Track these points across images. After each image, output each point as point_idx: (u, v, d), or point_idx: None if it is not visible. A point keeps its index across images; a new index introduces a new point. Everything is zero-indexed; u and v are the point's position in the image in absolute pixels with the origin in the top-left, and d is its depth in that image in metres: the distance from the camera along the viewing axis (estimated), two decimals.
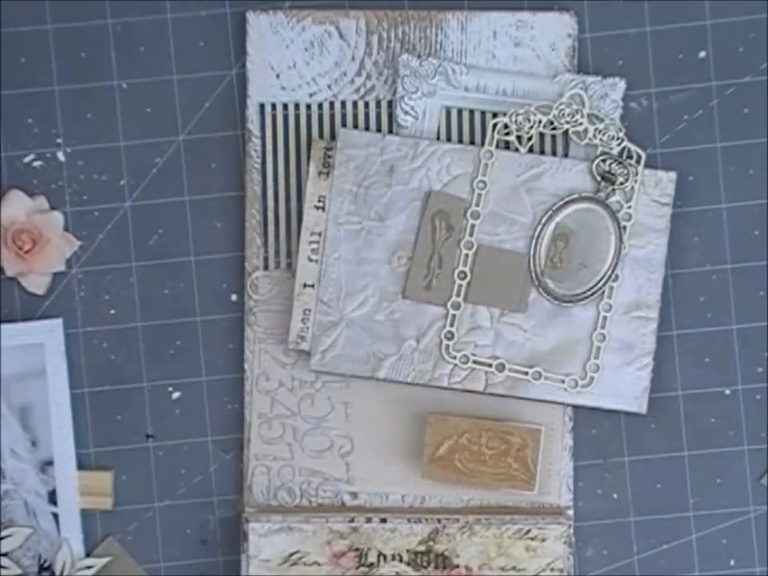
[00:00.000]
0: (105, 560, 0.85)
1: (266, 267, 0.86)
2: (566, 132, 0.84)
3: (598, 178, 0.83)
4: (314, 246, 0.84)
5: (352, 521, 0.84)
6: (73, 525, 0.85)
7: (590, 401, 0.84)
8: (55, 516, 0.85)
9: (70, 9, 0.86)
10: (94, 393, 0.86)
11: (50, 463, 0.85)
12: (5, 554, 0.84)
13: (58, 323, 0.85)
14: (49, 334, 0.85)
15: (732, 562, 0.86)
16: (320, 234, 0.84)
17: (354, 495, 0.85)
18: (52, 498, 0.85)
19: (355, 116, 0.85)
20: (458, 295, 0.84)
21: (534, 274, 0.83)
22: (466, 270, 0.84)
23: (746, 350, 0.85)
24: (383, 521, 0.84)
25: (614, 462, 0.86)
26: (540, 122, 0.83)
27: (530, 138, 0.84)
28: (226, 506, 0.86)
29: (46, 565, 0.85)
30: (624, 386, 0.83)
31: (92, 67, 0.86)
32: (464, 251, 0.83)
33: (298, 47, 0.85)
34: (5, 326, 0.85)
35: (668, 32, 0.85)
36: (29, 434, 0.85)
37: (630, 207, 0.83)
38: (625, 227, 0.83)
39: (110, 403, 0.86)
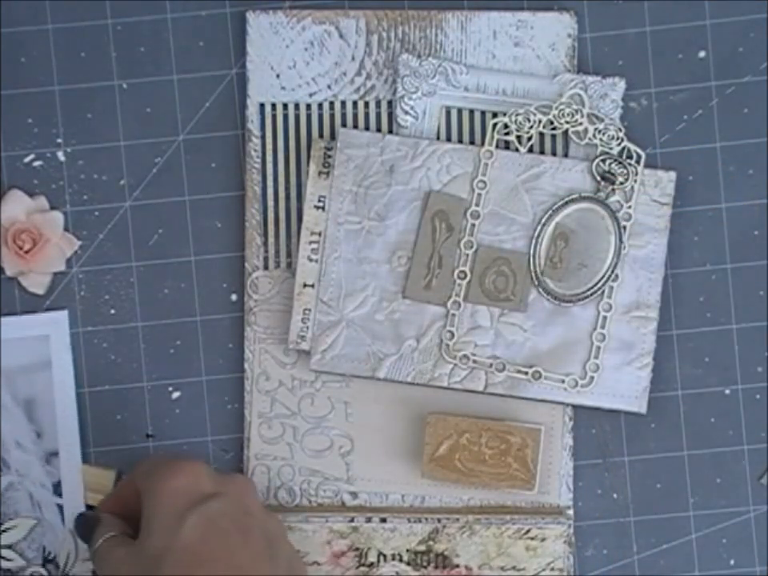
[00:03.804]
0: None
1: (266, 267, 0.86)
2: (565, 132, 0.84)
3: (598, 178, 0.83)
4: (314, 245, 0.84)
5: (352, 520, 0.84)
6: None
7: (589, 400, 0.84)
8: (60, 508, 0.85)
9: (70, 9, 0.86)
10: (94, 393, 0.86)
11: (55, 454, 0.84)
12: (8, 546, 0.85)
13: (63, 315, 0.85)
14: (54, 326, 0.85)
15: (732, 562, 0.86)
16: (320, 234, 0.84)
17: (354, 495, 0.85)
18: (57, 489, 0.84)
19: (355, 116, 0.85)
20: (457, 295, 0.84)
21: (533, 274, 0.83)
22: (466, 269, 0.84)
23: (746, 349, 0.86)
24: (383, 520, 0.84)
25: (614, 461, 0.86)
26: (540, 121, 0.83)
27: (529, 138, 0.84)
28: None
29: (51, 557, 0.85)
30: (624, 386, 0.83)
31: (92, 67, 0.86)
32: (464, 251, 0.83)
33: (298, 47, 0.85)
34: (9, 319, 0.85)
35: (668, 32, 0.85)
36: (34, 426, 0.84)
37: (629, 207, 0.83)
38: (625, 227, 0.83)
39: (110, 403, 0.86)
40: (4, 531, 0.84)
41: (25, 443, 0.84)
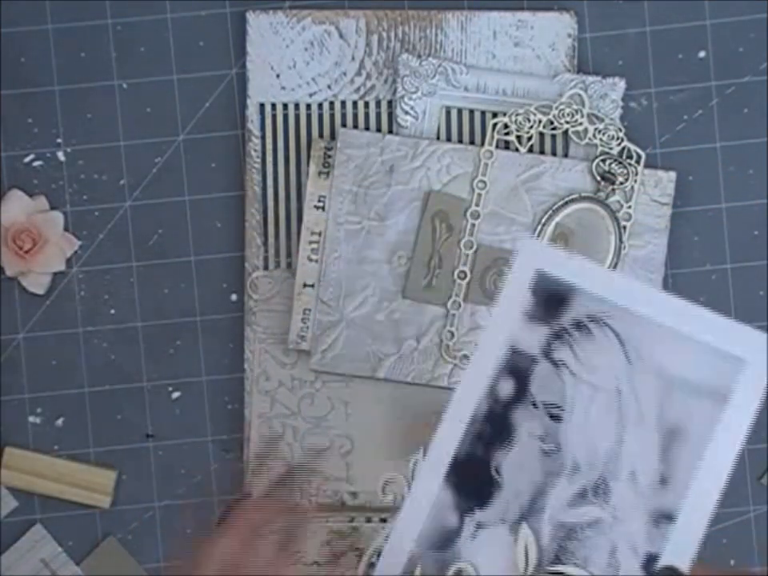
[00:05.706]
0: None
1: (266, 267, 0.86)
2: (565, 132, 0.84)
3: (598, 178, 0.83)
4: (314, 245, 0.84)
5: (352, 520, 0.84)
6: None
7: None
8: None
9: (70, 9, 0.86)
10: (94, 393, 0.86)
11: (669, 518, 0.62)
12: None
13: (763, 337, 0.61)
14: (750, 346, 0.62)
15: (732, 562, 0.86)
16: (320, 234, 0.84)
17: (354, 495, 0.85)
18: (651, 563, 0.62)
19: (355, 116, 0.85)
20: (457, 295, 0.84)
21: None
22: (466, 269, 0.84)
23: None
24: (383, 520, 0.84)
25: None
26: (540, 121, 0.83)
27: (529, 138, 0.84)
28: (225, 505, 0.86)
29: None
30: None
31: (92, 67, 0.86)
32: (464, 251, 0.83)
33: (297, 47, 0.85)
34: (704, 314, 0.62)
35: (668, 32, 0.85)
36: (663, 467, 0.62)
37: (629, 207, 0.83)
38: (625, 227, 0.83)
39: (109, 403, 0.86)
40: None
41: (641, 481, 0.62)
